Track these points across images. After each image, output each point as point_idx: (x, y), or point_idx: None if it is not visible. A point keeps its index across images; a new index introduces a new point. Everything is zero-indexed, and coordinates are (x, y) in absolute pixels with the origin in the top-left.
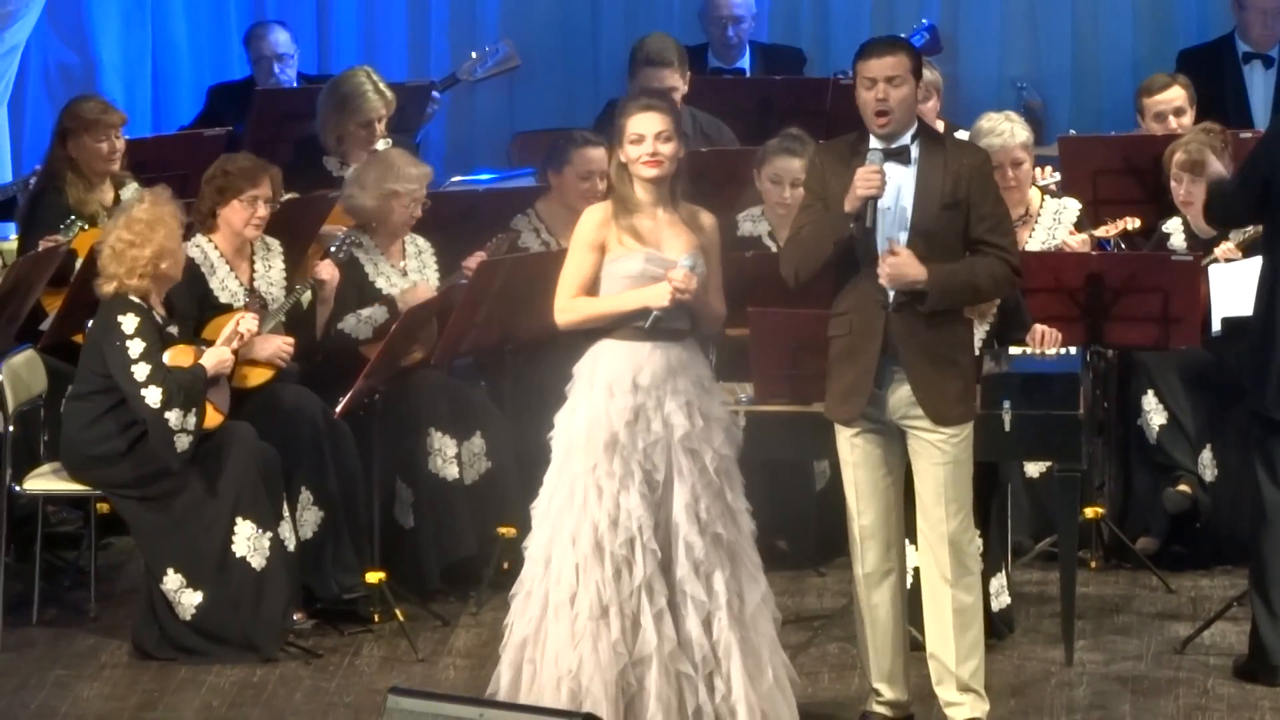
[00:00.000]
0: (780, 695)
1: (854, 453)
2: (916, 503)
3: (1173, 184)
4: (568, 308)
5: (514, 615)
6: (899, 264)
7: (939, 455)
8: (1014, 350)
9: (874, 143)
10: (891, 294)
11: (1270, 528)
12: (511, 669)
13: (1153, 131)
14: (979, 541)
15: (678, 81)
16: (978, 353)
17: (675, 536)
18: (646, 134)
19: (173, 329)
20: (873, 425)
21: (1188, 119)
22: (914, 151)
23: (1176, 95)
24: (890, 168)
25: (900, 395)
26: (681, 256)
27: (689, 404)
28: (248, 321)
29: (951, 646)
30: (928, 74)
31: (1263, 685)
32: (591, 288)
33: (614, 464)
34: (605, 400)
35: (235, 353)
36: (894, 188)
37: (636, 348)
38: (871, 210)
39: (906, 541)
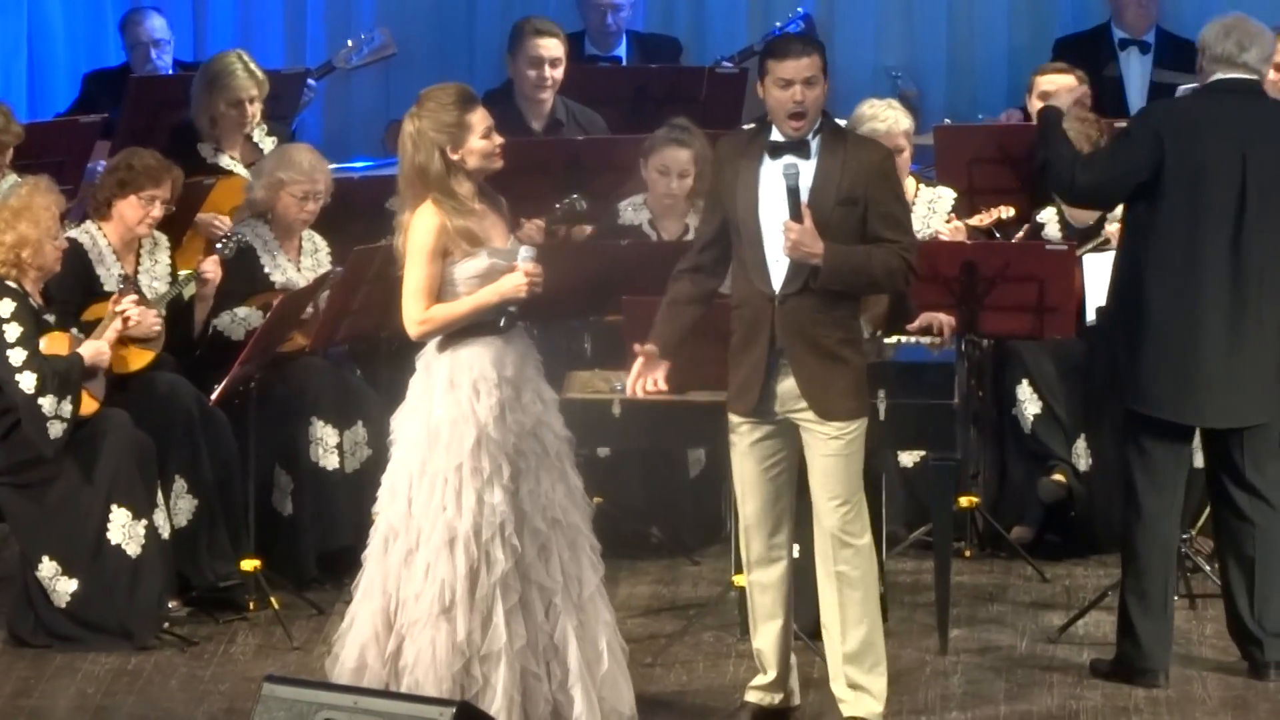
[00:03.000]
0: (619, 680)
1: (741, 441)
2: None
3: None
4: (425, 319)
5: (356, 612)
6: (802, 234)
7: (824, 448)
8: (888, 340)
9: (789, 164)
10: (778, 287)
11: (1149, 530)
12: (352, 666)
13: (1035, 108)
14: (869, 537)
15: (562, 53)
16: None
17: (523, 523)
18: (491, 126)
19: (49, 316)
20: (763, 417)
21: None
22: (814, 146)
23: (1065, 80)
24: (791, 161)
25: (787, 388)
26: (521, 248)
27: (535, 390)
28: (126, 303)
29: (837, 640)
30: (906, 122)
31: (1140, 687)
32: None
33: (482, 461)
34: (471, 399)
35: (115, 336)
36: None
37: (493, 342)
38: (793, 202)
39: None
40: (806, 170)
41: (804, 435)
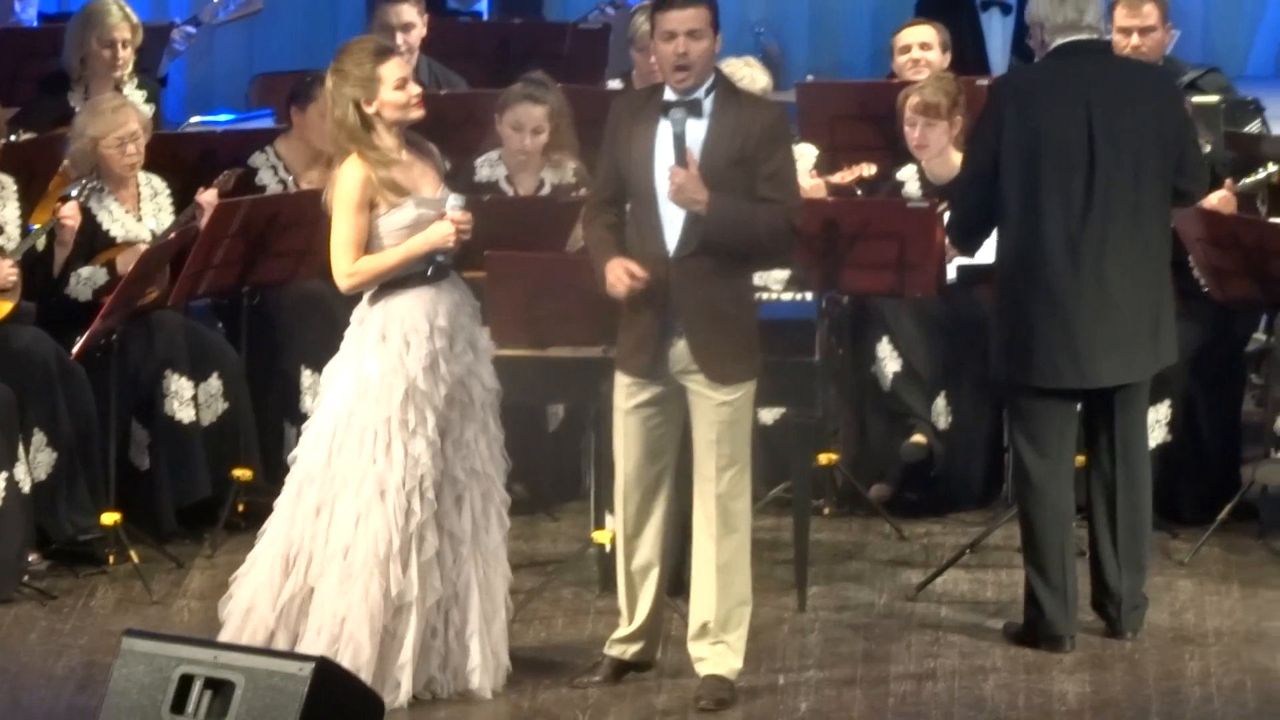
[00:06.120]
0: (505, 634)
1: (626, 401)
2: (693, 456)
3: (907, 128)
4: (354, 271)
5: (257, 554)
6: (687, 180)
7: (714, 413)
8: None
9: (675, 110)
10: (672, 249)
11: (1038, 497)
12: (244, 607)
13: (901, 68)
14: (748, 498)
15: (415, 17)
16: None
17: (442, 474)
18: (406, 75)
19: None
20: (653, 378)
21: (935, 56)
22: (707, 105)
23: (923, 31)
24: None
25: (679, 351)
26: (450, 197)
27: (468, 339)
28: None
29: (711, 601)
30: (762, 80)
31: (1046, 651)
32: (367, 246)
33: (408, 413)
34: (401, 350)
35: None
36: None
37: (424, 292)
38: (679, 148)
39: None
40: (699, 129)
41: (692, 398)
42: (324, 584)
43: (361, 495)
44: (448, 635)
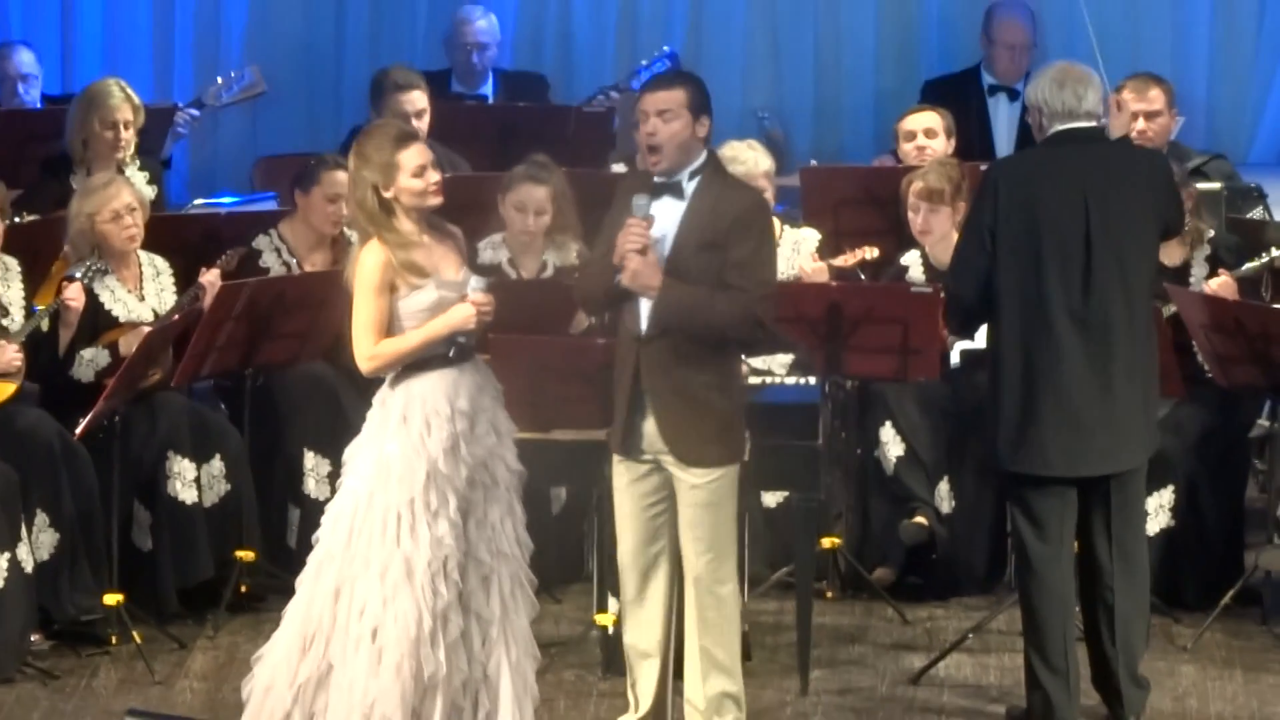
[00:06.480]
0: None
1: (619, 479)
2: None
3: (910, 214)
4: (375, 354)
5: (279, 634)
6: (642, 265)
7: (688, 496)
8: (753, 380)
9: (638, 196)
10: (643, 327)
11: (1040, 581)
12: (264, 685)
13: (906, 154)
14: (733, 584)
15: (426, 103)
16: None
17: (467, 555)
18: (425, 163)
19: None
20: (634, 457)
21: (940, 142)
22: (689, 188)
23: (928, 118)
24: (667, 201)
25: (650, 429)
26: (471, 278)
27: (490, 421)
28: None
29: (698, 685)
30: (766, 163)
31: None
32: (389, 328)
33: (430, 495)
34: (423, 432)
35: None
36: (662, 222)
37: (446, 374)
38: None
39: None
40: (675, 211)
41: (673, 479)
42: (353, 665)
43: (388, 577)
44: (477, 718)
